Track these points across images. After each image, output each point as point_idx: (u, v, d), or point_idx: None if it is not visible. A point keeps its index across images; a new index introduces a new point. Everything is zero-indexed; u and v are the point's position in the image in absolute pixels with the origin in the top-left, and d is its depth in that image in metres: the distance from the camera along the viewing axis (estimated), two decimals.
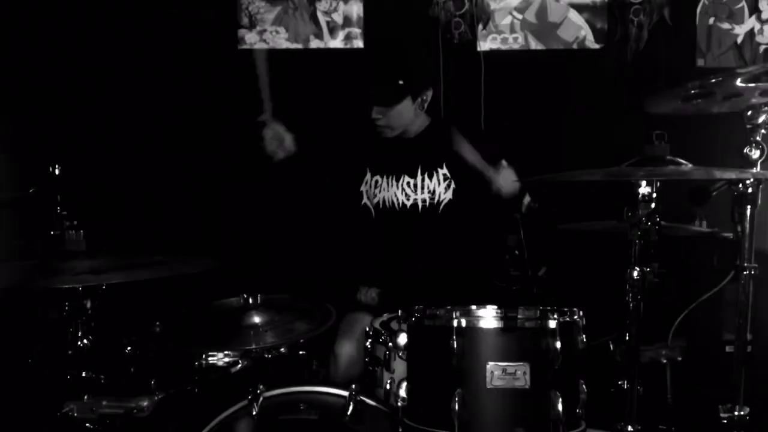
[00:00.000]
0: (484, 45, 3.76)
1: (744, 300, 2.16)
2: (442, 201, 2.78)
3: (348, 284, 2.90)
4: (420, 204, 2.79)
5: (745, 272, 2.15)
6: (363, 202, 2.89)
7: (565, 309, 1.91)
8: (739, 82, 2.09)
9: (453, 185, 2.78)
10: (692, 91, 2.19)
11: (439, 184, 2.78)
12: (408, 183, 2.80)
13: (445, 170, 2.78)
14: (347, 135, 2.98)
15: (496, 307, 2.00)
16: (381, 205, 2.84)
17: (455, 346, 1.79)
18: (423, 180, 2.79)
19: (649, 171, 2.06)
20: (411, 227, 2.80)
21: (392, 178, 2.83)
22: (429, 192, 2.78)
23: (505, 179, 2.67)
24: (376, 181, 2.86)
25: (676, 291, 2.78)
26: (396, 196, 2.82)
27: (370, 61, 2.83)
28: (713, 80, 2.12)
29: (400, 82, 2.72)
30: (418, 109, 2.79)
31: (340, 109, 2.97)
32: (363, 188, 2.89)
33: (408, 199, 2.80)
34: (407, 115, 2.77)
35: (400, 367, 2.02)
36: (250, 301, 2.52)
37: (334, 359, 2.61)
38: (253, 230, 3.73)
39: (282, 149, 2.81)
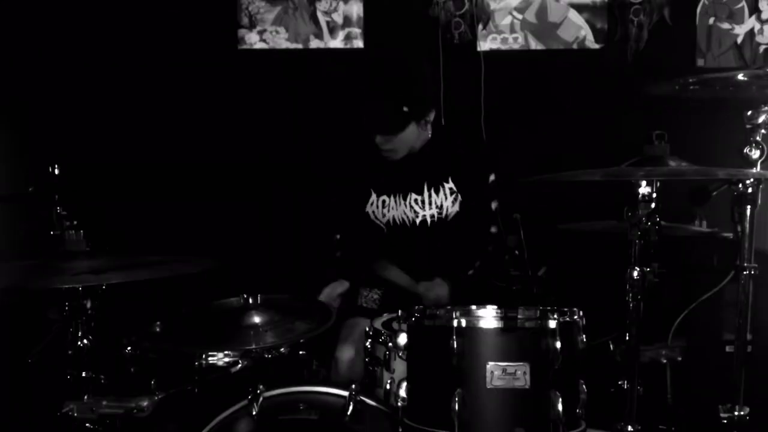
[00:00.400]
0: (484, 45, 3.76)
1: (744, 300, 2.16)
2: (450, 214, 2.77)
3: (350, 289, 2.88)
4: (429, 220, 2.78)
5: (745, 272, 2.15)
6: (371, 221, 2.87)
7: (565, 309, 1.92)
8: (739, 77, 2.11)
9: (460, 198, 2.77)
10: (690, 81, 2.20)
11: (446, 198, 2.77)
12: (416, 200, 2.79)
13: (451, 184, 2.77)
14: (349, 154, 2.97)
15: (496, 307, 2.01)
16: (392, 223, 2.83)
17: (455, 346, 1.79)
18: (430, 196, 2.78)
19: (649, 171, 2.06)
20: (421, 242, 2.78)
21: (399, 197, 2.82)
22: (437, 207, 2.77)
23: (435, 286, 2.69)
24: (384, 201, 2.84)
25: (676, 291, 2.78)
26: (405, 214, 2.81)
27: (372, 89, 2.71)
28: (712, 75, 2.13)
29: (405, 109, 2.66)
30: (421, 129, 2.76)
31: (341, 122, 2.97)
32: (369, 209, 2.86)
33: (417, 216, 2.79)
34: (412, 137, 2.74)
35: (400, 367, 2.02)
36: (250, 301, 2.52)
37: (335, 364, 2.61)
38: (254, 233, 3.73)
39: None
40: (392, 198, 2.83)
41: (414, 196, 2.80)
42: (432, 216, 2.78)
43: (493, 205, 2.79)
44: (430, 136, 2.81)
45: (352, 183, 2.89)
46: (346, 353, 2.61)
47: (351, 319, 2.74)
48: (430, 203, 2.78)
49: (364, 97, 2.71)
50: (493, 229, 2.80)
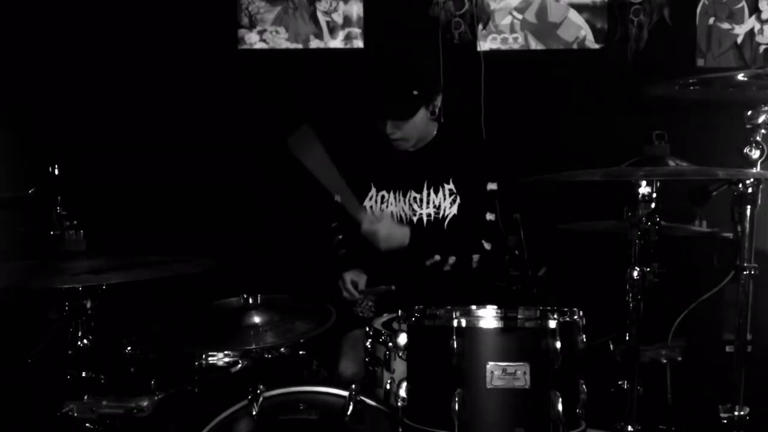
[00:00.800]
0: (484, 45, 3.76)
1: (744, 300, 2.16)
2: (447, 216, 2.76)
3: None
4: (425, 219, 2.77)
5: (745, 272, 2.15)
6: None
7: (565, 309, 1.92)
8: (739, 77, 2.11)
9: (458, 200, 2.76)
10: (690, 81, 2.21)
11: (444, 198, 2.76)
12: (414, 198, 2.79)
13: (451, 185, 2.76)
14: (351, 149, 2.96)
15: (496, 307, 2.01)
16: None
17: (455, 346, 1.79)
18: (429, 195, 2.77)
19: (649, 171, 2.06)
20: (414, 242, 2.76)
21: (399, 194, 2.81)
22: (434, 207, 2.77)
23: (388, 227, 2.66)
24: (383, 197, 2.83)
25: (676, 291, 2.78)
26: (404, 211, 2.80)
27: (380, 74, 2.73)
28: (712, 75, 2.13)
29: (415, 93, 2.66)
30: (430, 116, 2.75)
31: (343, 118, 2.96)
32: (367, 203, 2.85)
33: (414, 215, 2.78)
34: (421, 125, 2.74)
35: (400, 367, 2.02)
36: (250, 301, 2.52)
37: (339, 380, 2.60)
38: (254, 233, 3.73)
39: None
40: (392, 194, 2.82)
41: (413, 194, 2.79)
42: (429, 215, 2.77)
43: (489, 217, 2.76)
44: (435, 132, 2.81)
45: (353, 177, 2.88)
46: (349, 369, 2.60)
47: (350, 332, 2.72)
48: (428, 202, 2.78)
49: (373, 86, 2.72)
50: (486, 245, 2.76)
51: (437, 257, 2.73)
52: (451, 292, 2.68)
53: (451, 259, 2.74)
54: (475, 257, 2.76)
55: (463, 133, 2.95)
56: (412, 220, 2.79)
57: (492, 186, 2.77)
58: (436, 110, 2.78)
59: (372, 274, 2.84)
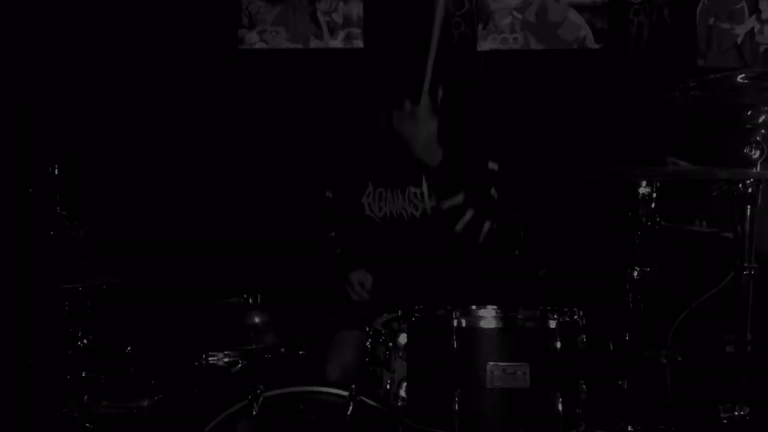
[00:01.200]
0: (484, 45, 3.76)
1: (744, 300, 2.16)
2: (451, 206, 2.73)
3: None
4: (429, 212, 2.75)
5: (745, 272, 2.15)
6: (366, 214, 2.82)
7: (565, 309, 1.92)
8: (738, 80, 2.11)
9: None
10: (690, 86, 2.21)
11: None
12: (414, 193, 2.75)
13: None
14: (347, 145, 2.95)
15: (496, 307, 2.01)
16: (389, 217, 2.78)
17: (455, 346, 1.79)
18: (428, 187, 2.72)
19: (649, 171, 2.06)
20: (419, 236, 2.74)
21: (397, 190, 2.77)
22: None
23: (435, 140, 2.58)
24: (380, 194, 2.78)
25: (676, 291, 2.78)
26: (404, 209, 2.76)
27: (388, 73, 2.71)
28: (712, 76, 2.13)
29: (423, 87, 2.58)
30: (431, 106, 2.68)
31: (340, 116, 2.95)
32: (365, 200, 2.81)
33: (417, 210, 2.74)
34: (423, 116, 2.65)
35: (400, 367, 2.02)
36: (250, 301, 2.52)
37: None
38: (253, 232, 3.73)
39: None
40: (389, 191, 2.77)
41: (412, 189, 2.76)
42: (433, 208, 2.74)
43: (493, 192, 2.68)
44: (436, 128, 2.78)
45: (349, 173, 2.86)
46: (333, 375, 2.55)
47: (338, 333, 2.66)
48: (430, 196, 2.74)
49: (379, 83, 2.69)
50: (486, 226, 2.67)
51: (460, 198, 2.60)
52: (453, 284, 2.65)
53: (468, 214, 2.62)
54: (486, 227, 2.68)
55: (462, 124, 2.93)
56: (414, 215, 2.77)
57: (493, 165, 2.73)
58: (438, 100, 2.73)
59: (374, 270, 2.79)
